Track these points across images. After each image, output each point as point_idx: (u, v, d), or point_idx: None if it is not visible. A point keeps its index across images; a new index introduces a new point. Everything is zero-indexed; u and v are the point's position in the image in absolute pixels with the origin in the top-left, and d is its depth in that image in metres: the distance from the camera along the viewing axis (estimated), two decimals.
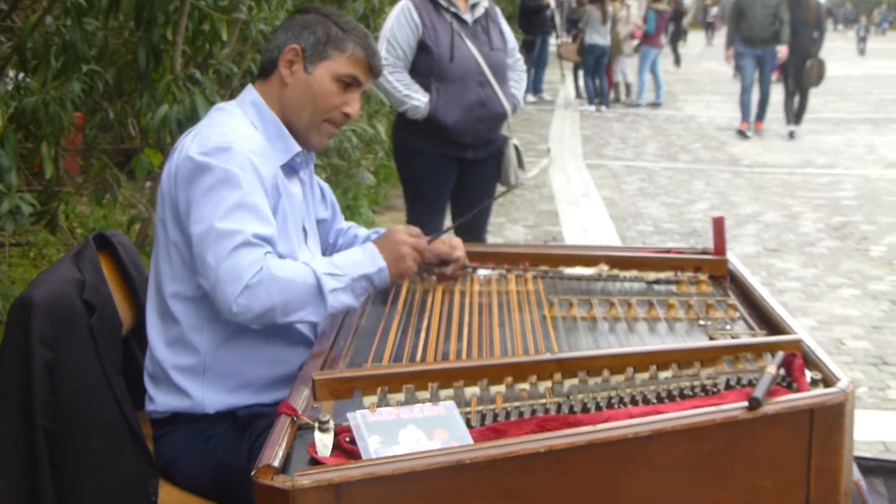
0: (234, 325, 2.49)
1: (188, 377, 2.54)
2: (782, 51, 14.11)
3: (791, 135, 14.73)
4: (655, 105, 18.93)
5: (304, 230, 2.75)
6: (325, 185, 3.02)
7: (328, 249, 3.03)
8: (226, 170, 2.41)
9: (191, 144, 2.48)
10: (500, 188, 5.39)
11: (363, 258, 2.55)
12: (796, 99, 14.91)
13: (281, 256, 2.47)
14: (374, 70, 2.73)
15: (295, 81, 2.65)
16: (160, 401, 2.57)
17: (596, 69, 18.11)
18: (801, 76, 14.37)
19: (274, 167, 2.58)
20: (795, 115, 14.92)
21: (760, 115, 15.18)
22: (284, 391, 2.40)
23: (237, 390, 2.55)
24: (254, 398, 2.55)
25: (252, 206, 2.41)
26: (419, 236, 2.69)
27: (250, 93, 2.69)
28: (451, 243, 2.97)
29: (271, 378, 2.57)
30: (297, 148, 2.67)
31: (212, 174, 2.41)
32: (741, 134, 14.97)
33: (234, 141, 2.47)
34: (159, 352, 2.56)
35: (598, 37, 17.58)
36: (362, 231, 3.09)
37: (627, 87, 19.49)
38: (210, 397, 2.54)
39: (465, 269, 2.99)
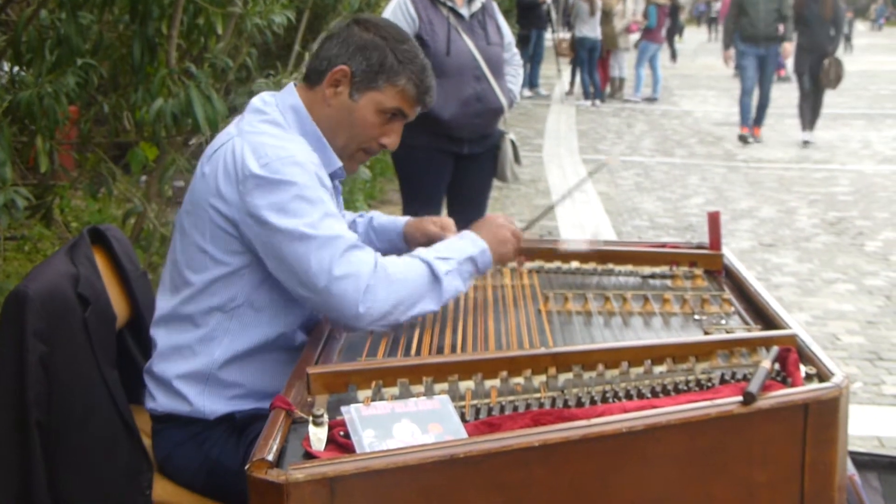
0: (255, 340, 2.48)
1: (189, 384, 2.50)
2: (787, 48, 13.19)
3: (805, 143, 13.59)
4: (651, 100, 18.93)
5: None
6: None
7: None
8: (299, 184, 2.33)
9: (247, 160, 2.37)
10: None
11: (463, 242, 2.53)
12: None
13: None
14: (424, 105, 2.63)
15: (337, 104, 2.55)
16: (161, 400, 2.54)
17: (589, 63, 18.09)
18: (819, 77, 13.02)
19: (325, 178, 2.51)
20: (810, 119, 13.70)
21: (759, 119, 13.96)
22: None
23: (237, 399, 2.52)
24: (253, 405, 2.52)
25: (335, 214, 2.37)
26: (514, 223, 2.70)
27: (292, 95, 2.58)
28: (443, 224, 2.92)
29: (274, 389, 2.51)
30: (339, 163, 2.59)
31: (286, 189, 2.33)
32: (742, 139, 13.81)
33: (295, 153, 2.39)
34: (165, 355, 2.52)
35: (588, 29, 17.56)
36: (348, 215, 3.00)
37: (621, 81, 19.47)
38: (210, 405, 2.51)
39: None
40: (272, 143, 2.41)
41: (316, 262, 2.28)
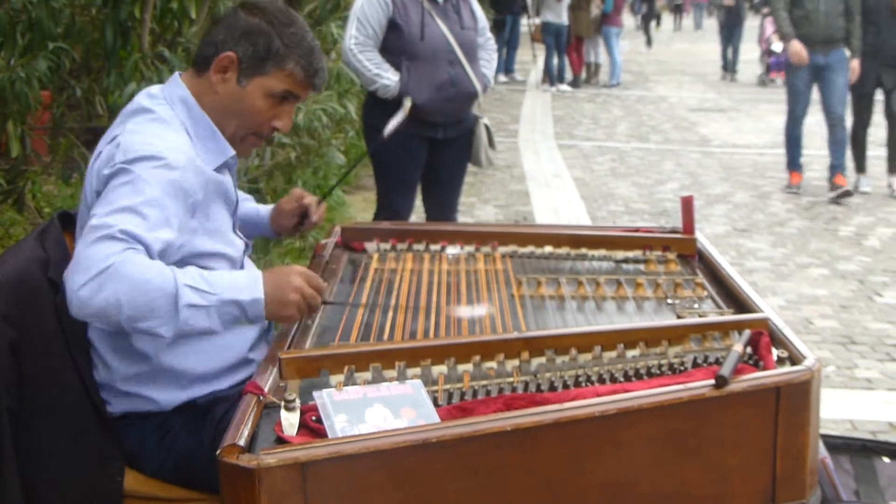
0: None
1: (139, 384, 2.46)
2: (854, 66, 8.92)
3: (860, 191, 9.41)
4: (610, 86, 18.97)
5: (234, 219, 2.62)
6: None
7: None
8: (137, 176, 2.24)
9: (117, 153, 2.31)
10: None
11: (243, 283, 2.27)
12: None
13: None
14: (315, 86, 2.57)
15: (225, 90, 2.48)
16: (115, 403, 2.50)
17: (556, 48, 18.07)
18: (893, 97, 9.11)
19: (204, 174, 2.42)
20: (888, 159, 9.44)
21: (838, 162, 9.21)
22: (239, 375, 2.39)
23: (192, 385, 2.48)
24: (210, 387, 2.49)
25: (142, 213, 2.21)
26: (319, 290, 2.39)
27: (178, 86, 2.52)
28: (295, 195, 2.92)
29: (223, 366, 2.49)
30: (231, 151, 2.53)
31: (123, 176, 2.25)
32: (789, 189, 9.61)
33: (159, 153, 2.30)
34: (109, 360, 2.47)
35: (552, 15, 17.52)
36: (248, 207, 2.96)
37: (597, 67, 19.50)
38: (165, 397, 2.47)
39: (322, 204, 2.98)
40: (141, 140, 2.34)
41: (78, 247, 2.17)
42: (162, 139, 2.36)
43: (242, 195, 2.93)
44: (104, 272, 2.09)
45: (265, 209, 2.94)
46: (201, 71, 2.51)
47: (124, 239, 2.14)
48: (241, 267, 2.58)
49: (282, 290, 2.30)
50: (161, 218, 2.24)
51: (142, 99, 2.51)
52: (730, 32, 20.11)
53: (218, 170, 2.51)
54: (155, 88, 2.55)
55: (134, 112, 2.49)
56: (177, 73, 2.57)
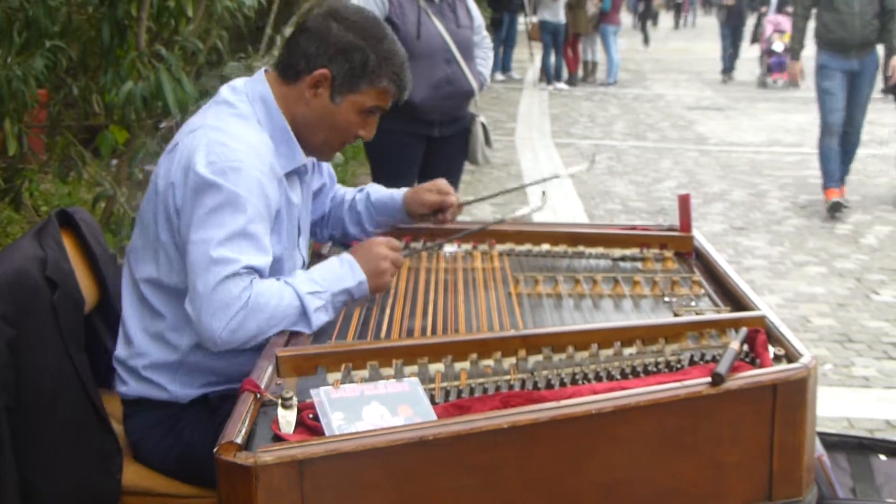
0: None
1: (160, 372, 2.50)
2: (895, 67, 8.26)
3: None
4: (607, 84, 18.94)
5: (299, 229, 2.67)
6: None
7: (326, 217, 3.04)
8: (233, 192, 2.31)
9: (198, 154, 2.35)
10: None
11: (342, 272, 2.45)
12: None
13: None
14: (401, 98, 2.62)
15: (318, 105, 2.51)
16: (132, 385, 2.54)
17: (554, 46, 18.07)
18: None
19: (279, 180, 2.48)
20: None
21: (842, 172, 8.74)
22: None
23: (209, 384, 2.52)
24: (225, 385, 2.51)
25: (252, 234, 2.32)
26: (398, 250, 2.58)
27: (262, 84, 2.55)
28: (439, 188, 2.97)
29: (244, 371, 2.50)
30: (304, 159, 2.57)
31: (218, 194, 2.31)
32: (834, 209, 8.47)
33: (245, 160, 2.36)
34: (141, 343, 2.51)
35: (549, 13, 17.53)
36: (349, 192, 3.06)
37: (594, 65, 19.48)
38: (182, 391, 2.51)
39: (461, 208, 3.04)
40: (225, 141, 2.38)
41: (202, 282, 2.27)
42: (241, 140, 2.41)
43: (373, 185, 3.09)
44: (241, 310, 2.27)
45: (399, 192, 3.02)
46: (289, 80, 2.53)
47: (248, 273, 2.29)
48: None
49: (375, 263, 2.50)
50: (264, 228, 2.39)
51: (225, 91, 2.57)
52: (731, 32, 19.96)
53: (287, 175, 2.55)
54: (239, 81, 2.60)
55: (216, 103, 2.55)
56: (262, 70, 2.60)
